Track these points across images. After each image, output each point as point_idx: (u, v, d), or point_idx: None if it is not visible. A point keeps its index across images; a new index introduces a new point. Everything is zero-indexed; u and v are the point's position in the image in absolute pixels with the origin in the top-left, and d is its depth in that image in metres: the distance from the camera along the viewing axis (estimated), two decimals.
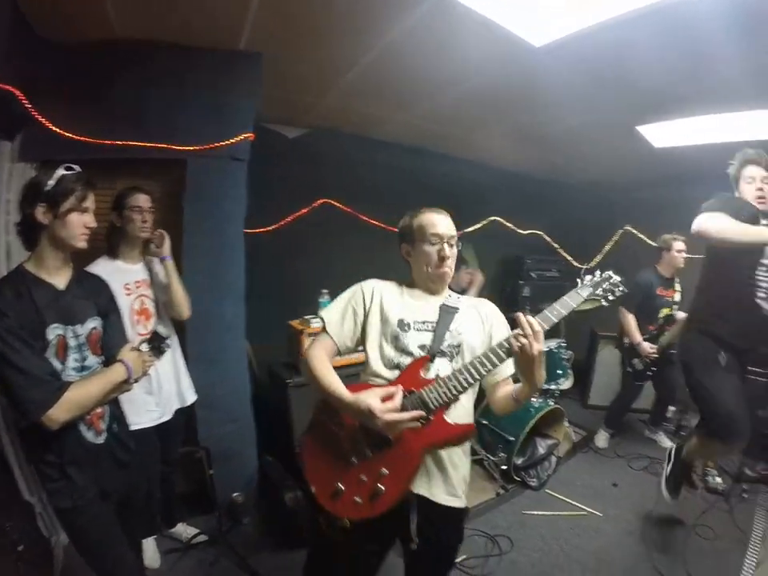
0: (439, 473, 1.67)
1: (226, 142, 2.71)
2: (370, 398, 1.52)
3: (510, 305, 5.46)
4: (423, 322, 1.75)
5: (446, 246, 1.74)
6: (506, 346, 1.56)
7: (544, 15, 2.18)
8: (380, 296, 1.80)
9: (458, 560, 2.81)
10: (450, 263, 1.77)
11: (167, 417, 2.56)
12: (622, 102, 3.26)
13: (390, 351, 1.72)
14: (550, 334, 4.66)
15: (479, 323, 1.82)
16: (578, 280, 1.71)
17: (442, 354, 1.70)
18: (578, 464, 4.27)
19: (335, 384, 1.64)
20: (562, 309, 1.59)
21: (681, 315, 4.20)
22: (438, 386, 1.60)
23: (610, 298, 1.69)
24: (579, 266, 5.35)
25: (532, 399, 3.90)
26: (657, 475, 3.98)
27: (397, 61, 2.67)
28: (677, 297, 4.30)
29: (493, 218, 4.72)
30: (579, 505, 3.53)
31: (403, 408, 1.55)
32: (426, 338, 1.72)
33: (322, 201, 3.67)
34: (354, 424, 1.65)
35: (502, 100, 3.26)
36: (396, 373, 1.68)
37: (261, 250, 3.13)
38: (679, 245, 4.13)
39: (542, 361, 1.53)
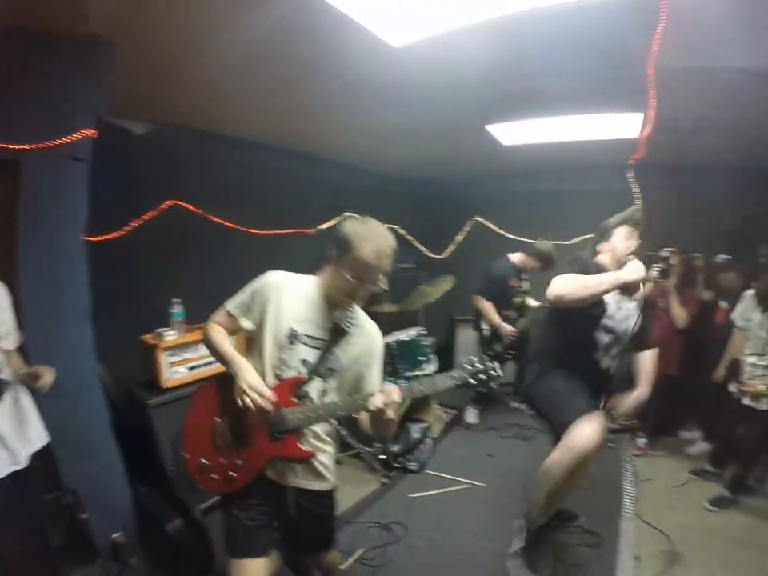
0: (314, 465, 1.84)
1: (65, 139, 2.38)
2: (251, 375, 1.69)
3: (369, 297, 5.55)
4: (313, 338, 1.77)
5: (368, 286, 1.73)
6: (362, 404, 1.67)
7: (404, 17, 2.23)
8: (279, 295, 1.79)
9: (356, 554, 2.84)
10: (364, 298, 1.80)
11: (19, 465, 2.21)
12: (473, 102, 3.46)
13: (274, 357, 1.76)
14: (409, 323, 4.89)
15: (361, 353, 1.86)
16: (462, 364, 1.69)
17: (319, 374, 1.78)
18: (453, 441, 4.50)
19: (230, 351, 1.78)
20: (426, 388, 1.67)
21: (533, 303, 4.64)
22: (300, 413, 1.72)
23: (481, 388, 1.67)
24: (434, 256, 5.63)
25: None
26: (526, 440, 4.37)
27: (252, 56, 2.57)
28: (526, 285, 4.73)
29: (348, 213, 4.76)
30: (461, 479, 3.72)
31: (266, 416, 1.70)
32: (311, 356, 1.77)
33: (171, 203, 3.39)
34: (232, 417, 1.79)
35: (359, 98, 3.29)
36: (273, 381, 1.76)
37: (106, 260, 2.81)
38: (545, 266, 4.49)
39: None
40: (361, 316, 1.90)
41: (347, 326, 1.80)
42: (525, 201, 5.55)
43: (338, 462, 3.75)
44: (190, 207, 3.48)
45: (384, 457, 3.81)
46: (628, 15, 2.16)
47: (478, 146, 4.61)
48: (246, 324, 1.81)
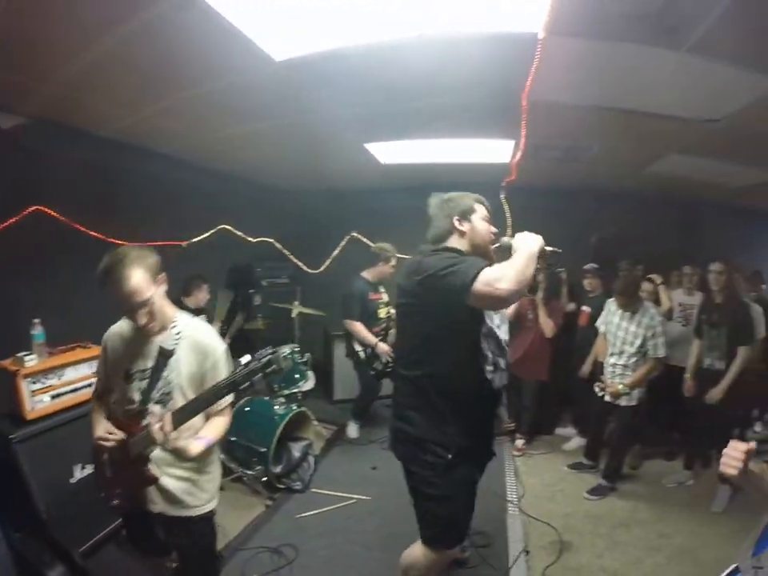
0: (168, 491, 1.91)
1: None
2: (97, 428, 1.91)
3: (243, 314, 5.40)
4: (143, 371, 1.89)
5: (140, 313, 1.79)
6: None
7: (288, 31, 2.23)
8: (110, 344, 2.00)
9: None
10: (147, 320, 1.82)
11: None
12: (352, 120, 3.50)
13: (121, 397, 1.93)
14: (282, 341, 4.82)
15: (198, 363, 1.91)
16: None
17: (156, 401, 1.87)
18: (336, 457, 4.49)
19: (92, 417, 2.02)
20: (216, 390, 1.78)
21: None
22: (142, 437, 1.80)
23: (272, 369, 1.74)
24: (310, 271, 5.58)
25: (275, 407, 3.99)
26: None
27: (132, 55, 2.39)
28: (385, 297, 4.85)
29: (222, 225, 4.59)
30: (347, 494, 3.72)
31: (119, 449, 1.84)
32: (144, 386, 1.88)
33: (34, 208, 3.00)
34: (112, 452, 1.90)
35: (235, 107, 3.22)
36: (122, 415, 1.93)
37: None
38: (394, 260, 4.64)
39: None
40: (187, 329, 1.94)
41: (172, 346, 1.87)
42: (400, 217, 5.73)
43: (221, 487, 3.63)
44: (53, 214, 3.11)
45: (266, 479, 3.69)
46: (505, 50, 2.33)
47: (357, 162, 4.70)
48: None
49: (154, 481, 1.85)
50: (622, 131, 3.45)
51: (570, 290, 5.03)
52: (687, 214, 5.98)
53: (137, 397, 1.88)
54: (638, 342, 3.72)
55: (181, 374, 1.87)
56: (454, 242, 2.14)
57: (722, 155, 3.87)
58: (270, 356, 1.72)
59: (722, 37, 2.07)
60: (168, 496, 1.91)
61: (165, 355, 1.84)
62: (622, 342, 3.82)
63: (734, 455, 1.40)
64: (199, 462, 1.94)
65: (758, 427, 4.85)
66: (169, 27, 2.14)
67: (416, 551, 2.21)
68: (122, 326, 1.98)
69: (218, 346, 1.95)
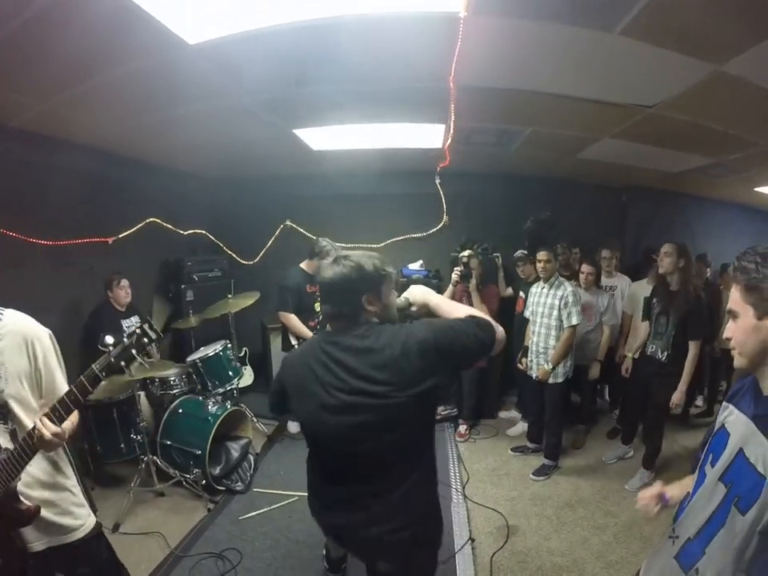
0: (43, 519, 1.64)
1: None
2: None
3: (175, 311, 5.25)
4: None
5: None
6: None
7: (201, 14, 2.16)
8: None
9: None
10: None
11: None
12: (277, 105, 3.45)
13: None
14: (215, 337, 4.72)
15: (26, 361, 1.65)
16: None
17: None
18: (278, 454, 4.46)
19: None
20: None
21: None
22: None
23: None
24: (244, 262, 5.49)
25: (209, 407, 3.91)
26: None
27: (34, 39, 2.24)
28: None
29: (151, 219, 4.43)
30: (289, 492, 3.70)
31: None
32: None
33: None
34: None
35: (150, 93, 3.09)
36: None
37: None
38: (335, 253, 4.57)
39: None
40: (6, 321, 1.64)
41: None
42: (336, 204, 5.71)
43: (161, 493, 3.56)
44: None
45: (205, 482, 3.62)
46: (430, 31, 2.30)
47: (288, 149, 4.62)
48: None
49: (38, 511, 1.60)
50: (554, 116, 3.52)
51: (506, 274, 5.17)
52: (620, 198, 6.27)
53: None
54: (555, 312, 3.94)
55: (9, 376, 1.59)
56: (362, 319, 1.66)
57: (655, 141, 4.04)
58: (137, 329, 1.61)
59: (656, 20, 2.11)
60: (45, 524, 1.67)
61: None
62: (541, 316, 4.04)
63: (645, 504, 1.60)
64: (56, 475, 1.75)
65: (699, 401, 5.12)
66: (71, 10, 2.02)
67: None
68: None
69: (33, 327, 1.70)
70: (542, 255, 4.00)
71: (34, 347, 1.64)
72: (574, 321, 3.88)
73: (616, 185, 6.16)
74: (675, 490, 1.57)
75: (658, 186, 6.03)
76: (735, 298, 1.24)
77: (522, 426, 4.84)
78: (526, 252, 4.93)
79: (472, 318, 1.60)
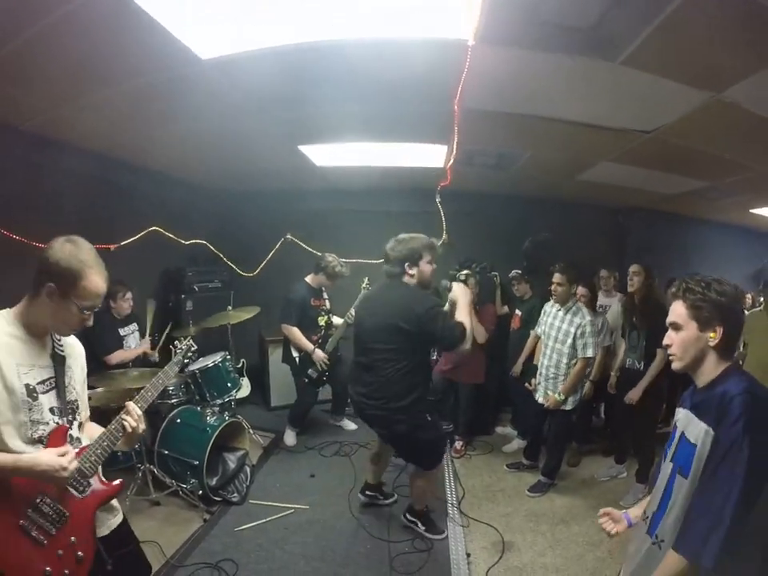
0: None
1: None
2: (47, 455, 1.52)
3: (174, 320, 5.28)
4: (46, 381, 1.63)
5: (90, 315, 1.66)
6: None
7: (214, 30, 2.23)
8: None
9: None
10: None
11: None
12: (284, 122, 3.54)
13: (18, 424, 1.53)
14: (213, 348, 4.76)
15: (81, 368, 1.84)
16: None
17: (70, 413, 1.71)
18: (274, 466, 4.47)
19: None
20: (155, 390, 1.90)
21: (337, 320, 4.82)
22: (88, 455, 1.66)
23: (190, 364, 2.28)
24: (245, 274, 5.53)
25: (206, 417, 3.93)
26: (347, 456, 4.52)
27: (52, 47, 2.30)
28: (327, 304, 4.89)
29: (153, 227, 4.48)
30: (285, 505, 3.72)
31: (64, 483, 1.60)
32: (53, 400, 1.65)
33: None
34: (35, 508, 1.55)
35: (161, 105, 3.16)
36: (39, 448, 1.58)
37: None
38: (340, 269, 4.67)
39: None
40: (68, 340, 1.81)
41: (61, 350, 1.72)
42: (336, 219, 5.79)
43: (157, 503, 3.58)
44: None
45: (202, 492, 3.63)
46: (438, 55, 2.40)
47: (292, 165, 4.70)
48: None
49: (121, 485, 1.83)
50: (554, 140, 3.62)
51: (504, 293, 5.23)
52: (617, 219, 6.37)
53: (47, 416, 1.61)
54: (569, 340, 3.86)
55: (76, 378, 1.78)
56: (406, 279, 3.05)
57: (652, 165, 4.13)
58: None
59: (656, 51, 2.21)
60: (108, 509, 1.85)
61: (59, 362, 1.69)
62: (554, 341, 3.98)
63: (603, 522, 1.90)
64: None
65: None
66: (89, 20, 2.09)
67: (419, 482, 3.31)
68: (7, 332, 1.58)
69: (79, 343, 1.88)
70: (555, 278, 3.94)
71: (83, 363, 1.85)
72: (590, 353, 3.83)
73: (614, 206, 6.26)
74: (637, 510, 1.81)
75: (656, 208, 6.13)
76: (680, 312, 1.54)
77: (517, 443, 4.86)
78: (520, 271, 5.00)
79: (460, 323, 2.88)
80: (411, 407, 2.96)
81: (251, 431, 4.70)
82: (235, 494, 3.83)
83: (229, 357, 4.61)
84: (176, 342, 2.32)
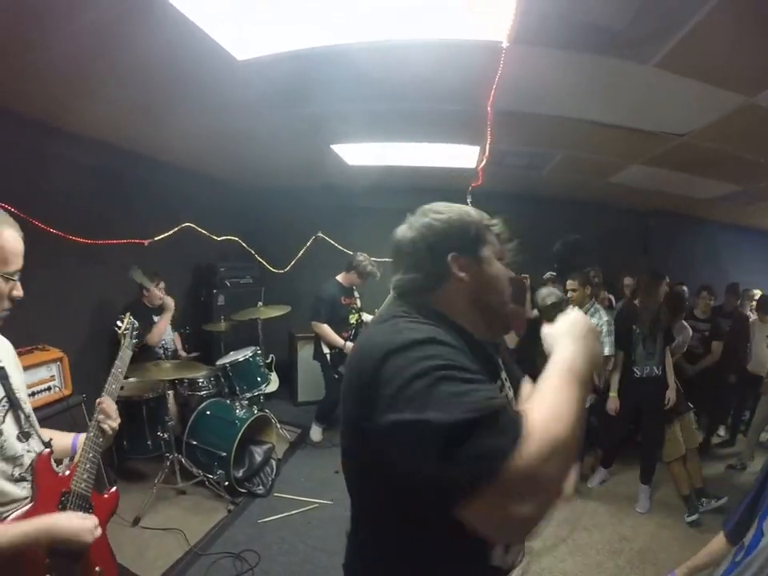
0: None
1: None
2: (72, 520, 1.38)
3: (205, 315, 5.39)
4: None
5: (17, 282, 1.36)
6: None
7: (250, 31, 2.26)
8: None
9: None
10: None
11: None
12: (317, 122, 3.59)
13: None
14: (243, 342, 4.83)
15: (15, 369, 1.51)
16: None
17: (32, 429, 1.45)
18: (299, 461, 4.52)
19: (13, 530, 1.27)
20: (117, 381, 1.77)
21: (368, 317, 4.84)
22: (80, 474, 1.51)
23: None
24: (276, 271, 5.60)
25: (236, 410, 3.99)
26: None
27: (94, 48, 2.38)
28: (358, 303, 4.92)
29: (186, 224, 4.56)
30: (308, 499, 3.76)
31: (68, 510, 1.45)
32: (12, 424, 1.38)
33: None
34: (56, 561, 1.38)
35: (195, 104, 3.22)
36: (26, 488, 1.38)
37: None
38: (371, 268, 4.70)
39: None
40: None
41: None
42: (367, 218, 5.80)
43: (183, 491, 3.64)
44: (12, 210, 3.02)
45: (228, 483, 3.69)
46: (471, 57, 2.41)
47: (323, 162, 4.74)
48: None
49: (118, 494, 1.71)
50: (586, 141, 3.59)
51: (533, 296, 5.15)
52: (647, 222, 6.24)
53: (17, 446, 1.38)
54: None
55: (19, 384, 1.47)
56: (443, 299, 1.11)
57: (684, 168, 4.05)
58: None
59: (689, 54, 2.17)
60: None
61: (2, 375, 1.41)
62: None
63: None
64: None
65: (722, 431, 5.06)
66: (129, 23, 2.14)
67: None
68: None
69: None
70: (569, 284, 3.97)
71: (17, 359, 1.55)
72: (606, 351, 3.84)
73: (643, 209, 6.15)
74: (693, 561, 1.58)
75: (686, 212, 6.01)
76: None
77: None
78: (554, 273, 4.93)
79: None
80: None
81: (278, 425, 4.76)
82: (260, 487, 3.89)
83: (259, 352, 4.68)
84: (118, 323, 2.03)
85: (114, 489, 1.66)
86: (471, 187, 3.85)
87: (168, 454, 3.76)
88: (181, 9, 2.00)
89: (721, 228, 6.63)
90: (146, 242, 4.17)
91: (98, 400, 1.62)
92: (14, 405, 1.39)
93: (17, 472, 1.35)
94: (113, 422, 1.61)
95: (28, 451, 1.40)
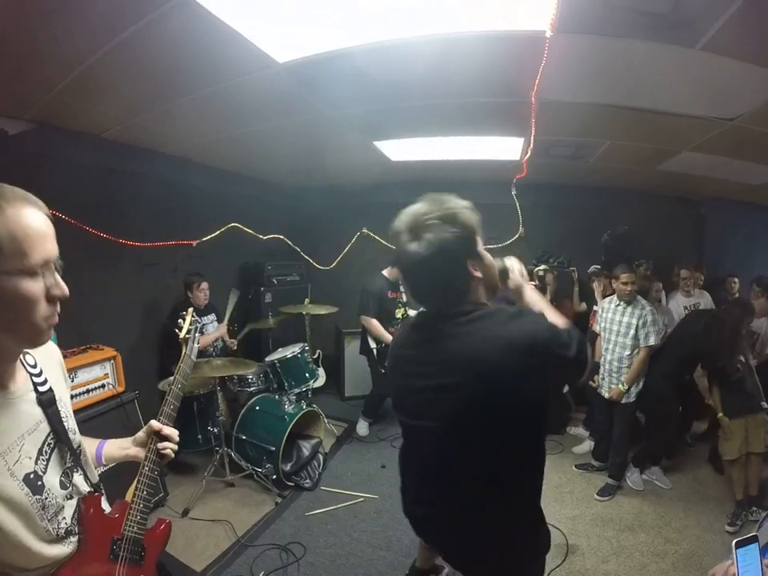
0: None
1: None
2: None
3: (253, 312, 5.50)
4: (43, 449, 1.09)
5: (54, 275, 1.02)
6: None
7: (290, 33, 2.26)
8: None
9: None
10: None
11: None
12: (359, 120, 3.58)
13: (44, 528, 1.07)
14: (291, 338, 4.90)
15: (63, 381, 1.31)
16: None
17: (77, 464, 1.22)
18: (346, 455, 4.56)
19: None
20: (177, 400, 1.53)
21: (413, 313, 4.83)
22: (133, 516, 1.31)
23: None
24: (321, 267, 5.66)
25: (284, 406, 4.06)
26: None
27: (130, 59, 2.44)
28: (404, 297, 4.91)
29: (232, 224, 4.67)
30: (355, 493, 3.80)
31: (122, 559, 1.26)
32: (57, 467, 1.13)
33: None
34: None
35: (239, 108, 3.28)
36: (72, 542, 1.16)
37: None
38: None
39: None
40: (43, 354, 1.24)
41: (40, 380, 1.14)
42: None
43: (231, 484, 3.75)
44: (64, 216, 3.17)
45: (276, 477, 3.77)
46: (514, 48, 2.33)
47: (366, 160, 4.74)
48: None
49: (169, 525, 1.47)
50: (633, 129, 3.45)
51: (582, 289, 5.04)
52: (698, 211, 5.97)
53: (60, 496, 1.12)
54: (632, 332, 3.83)
55: (66, 401, 1.24)
56: (473, 295, 1.42)
57: (736, 153, 3.86)
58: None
59: (737, 35, 2.05)
60: None
61: (47, 403, 1.12)
62: (616, 335, 3.93)
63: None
64: None
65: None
66: (165, 31, 2.18)
67: None
68: None
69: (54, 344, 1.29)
70: (625, 277, 3.81)
71: (63, 364, 1.35)
72: (652, 341, 3.77)
73: (695, 197, 5.88)
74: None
75: (739, 199, 5.70)
76: None
77: (588, 444, 4.67)
78: (599, 266, 4.80)
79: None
80: None
81: (326, 420, 4.82)
82: (307, 480, 3.95)
83: (307, 348, 4.74)
84: (179, 323, 1.81)
85: (166, 522, 1.44)
86: (516, 179, 3.79)
87: (218, 448, 3.87)
88: (218, 15, 2.03)
89: None
90: (194, 243, 4.31)
91: (155, 427, 1.39)
92: (61, 440, 1.14)
93: (63, 528, 1.12)
94: (173, 446, 1.41)
95: (70, 497, 1.17)
